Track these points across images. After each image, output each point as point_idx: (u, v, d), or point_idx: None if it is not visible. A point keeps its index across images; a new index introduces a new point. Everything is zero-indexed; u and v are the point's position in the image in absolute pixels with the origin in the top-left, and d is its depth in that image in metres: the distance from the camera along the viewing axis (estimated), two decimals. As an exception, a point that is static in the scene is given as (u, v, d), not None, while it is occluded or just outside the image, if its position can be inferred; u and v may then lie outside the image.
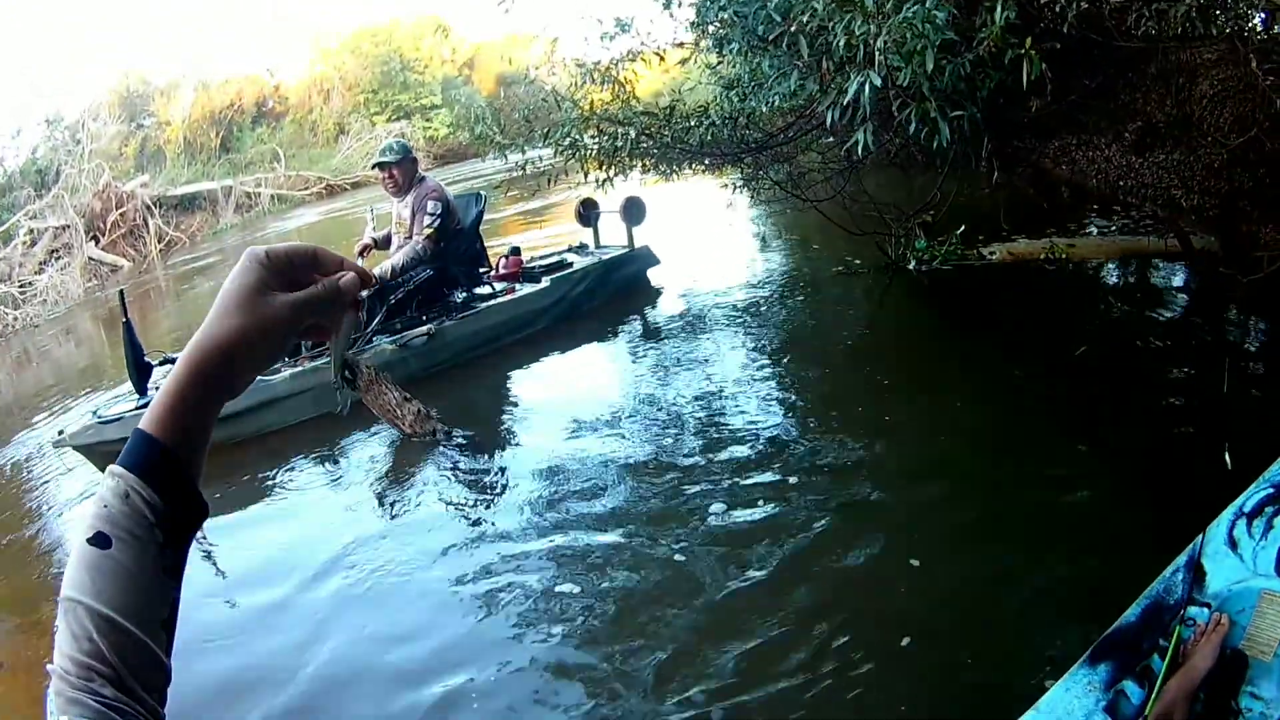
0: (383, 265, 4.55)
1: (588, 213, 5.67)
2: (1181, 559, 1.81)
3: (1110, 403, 3.29)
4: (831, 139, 4.65)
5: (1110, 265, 4.76)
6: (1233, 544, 1.79)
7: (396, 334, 4.52)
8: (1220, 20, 4.07)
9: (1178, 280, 4.29)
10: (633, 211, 5.45)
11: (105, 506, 0.50)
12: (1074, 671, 1.68)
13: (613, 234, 5.68)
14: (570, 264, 5.39)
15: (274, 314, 0.55)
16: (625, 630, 2.41)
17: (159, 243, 15.17)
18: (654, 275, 5.71)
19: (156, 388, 3.87)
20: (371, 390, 3.96)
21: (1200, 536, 1.81)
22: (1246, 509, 1.85)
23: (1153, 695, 1.59)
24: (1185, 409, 3.16)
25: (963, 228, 4.76)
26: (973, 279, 4.64)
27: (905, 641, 2.23)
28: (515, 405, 4.41)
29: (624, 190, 5.45)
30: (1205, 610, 1.71)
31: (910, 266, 4.78)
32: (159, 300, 11.36)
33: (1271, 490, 1.86)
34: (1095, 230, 4.97)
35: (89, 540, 0.49)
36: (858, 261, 5.19)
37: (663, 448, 3.46)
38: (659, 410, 3.85)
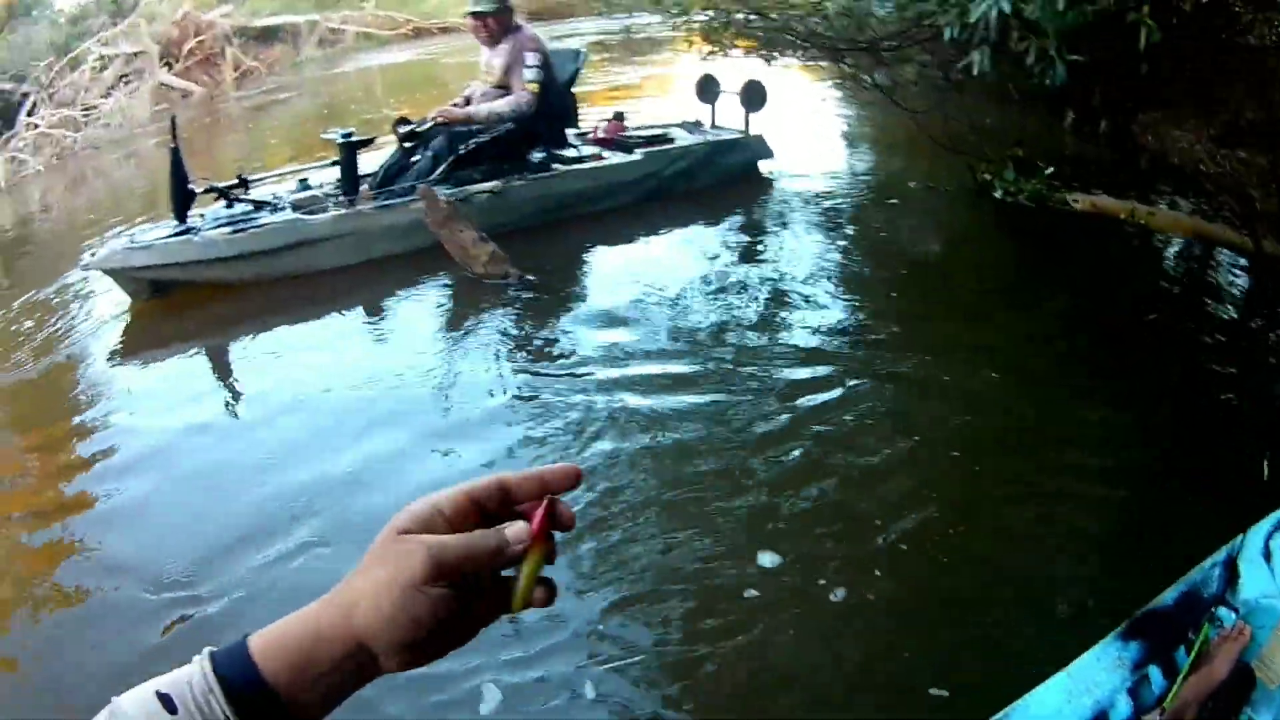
0: (478, 108, 4.33)
1: (708, 89, 5.30)
2: (1221, 555, 1.77)
3: (1157, 379, 3.28)
4: (933, 57, 4.54)
5: (1179, 243, 4.66)
6: (1267, 554, 1.77)
7: (461, 185, 4.26)
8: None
9: (1240, 278, 4.20)
10: (752, 96, 5.07)
11: (187, 686, 0.42)
12: (1107, 642, 1.65)
13: (731, 117, 5.35)
14: (672, 140, 5.04)
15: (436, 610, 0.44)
16: (659, 482, 2.63)
17: (234, 71, 15.01)
18: (764, 166, 5.43)
19: (201, 215, 3.95)
20: (447, 226, 3.89)
21: (1241, 537, 1.78)
22: None
23: (1174, 689, 1.58)
24: (1229, 408, 3.12)
25: (1050, 168, 4.66)
26: (1049, 221, 4.59)
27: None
28: (587, 271, 4.38)
29: (737, 71, 5.23)
30: (1234, 615, 1.69)
31: (997, 194, 4.71)
32: (229, 128, 11.31)
33: None
34: (1169, 206, 4.85)
35: (159, 694, 0.42)
36: (944, 181, 5.13)
37: (725, 326, 3.59)
38: (731, 295, 3.91)
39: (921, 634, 2.12)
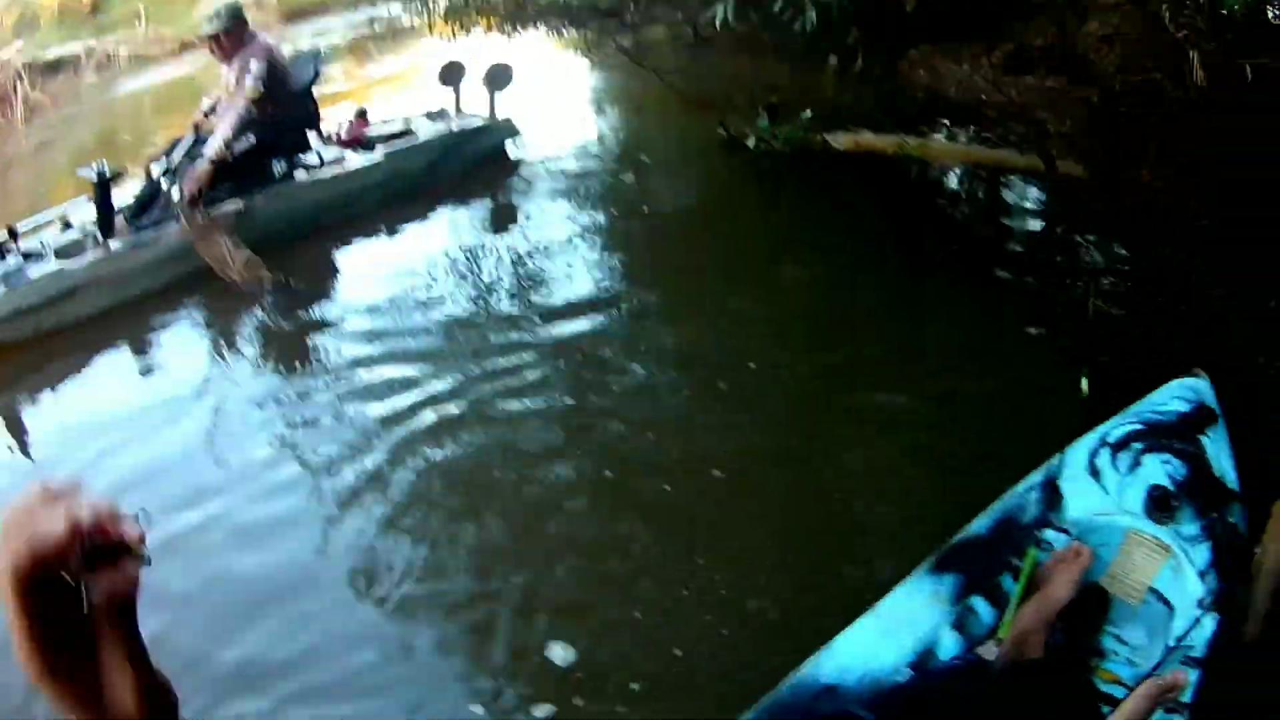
0: (211, 141, 4.08)
1: (450, 74, 5.09)
2: (1036, 477, 1.76)
3: (956, 309, 3.28)
4: (680, 14, 4.52)
5: (961, 172, 4.71)
6: (1094, 472, 1.76)
7: (208, 206, 4.02)
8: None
9: (1032, 198, 4.26)
10: (497, 78, 4.93)
11: None
12: (916, 578, 1.62)
13: (479, 101, 5.17)
14: (415, 133, 4.85)
15: None
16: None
17: (25, 107, 13.84)
18: (512, 147, 5.26)
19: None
20: (206, 237, 3.78)
21: (1058, 457, 1.77)
22: (1111, 439, 1.81)
23: (1006, 616, 1.54)
24: (1039, 326, 3.11)
25: (808, 112, 4.65)
26: (819, 167, 4.55)
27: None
28: (343, 272, 4.25)
29: (484, 51, 5.10)
30: (1063, 536, 1.67)
31: (750, 144, 4.66)
32: (20, 168, 10.25)
33: (1141, 426, 1.83)
34: (945, 137, 4.96)
35: None
36: (698, 139, 5.07)
37: (480, 315, 3.52)
38: (486, 278, 3.85)
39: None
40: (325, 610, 2.15)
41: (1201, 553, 1.64)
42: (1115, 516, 1.69)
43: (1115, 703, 1.43)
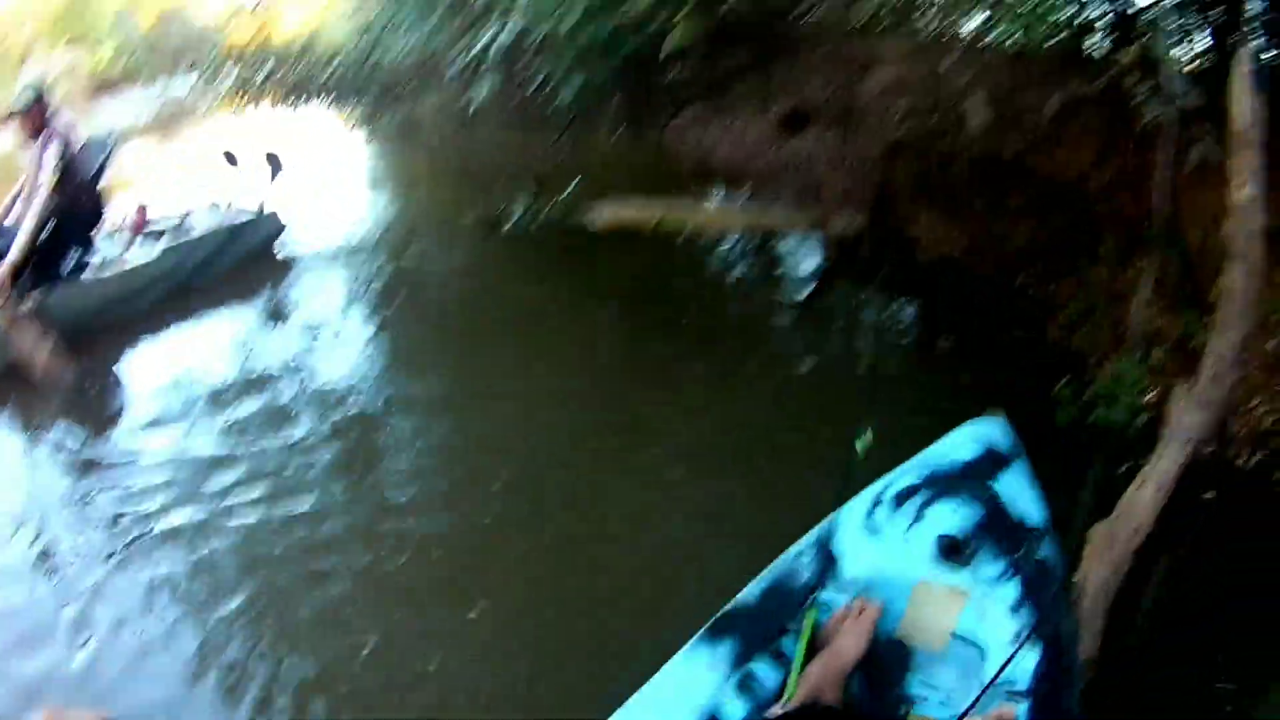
0: (18, 239, 3.86)
1: (232, 160, 5.10)
2: (808, 540, 1.76)
3: (730, 377, 3.29)
4: (445, 92, 4.46)
5: (734, 238, 4.72)
6: (873, 529, 1.76)
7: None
8: (917, 19, 4.25)
9: (809, 259, 4.37)
10: (272, 166, 4.94)
11: None
12: (693, 646, 1.60)
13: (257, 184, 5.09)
14: (191, 228, 4.73)
15: None
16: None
17: None
18: (284, 239, 5.17)
19: None
20: (14, 325, 3.67)
21: (831, 520, 1.76)
22: (889, 495, 1.81)
23: (791, 677, 1.54)
24: (814, 388, 3.17)
25: (574, 185, 4.58)
26: (585, 242, 4.52)
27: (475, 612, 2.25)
28: (129, 377, 3.99)
29: (267, 126, 4.90)
30: (841, 597, 1.67)
31: (506, 227, 4.62)
32: None
33: (923, 477, 1.85)
34: (717, 204, 4.88)
35: None
36: (466, 213, 5.01)
37: (264, 410, 3.41)
38: (263, 376, 3.72)
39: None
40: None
41: (1009, 590, 1.65)
42: (904, 569, 1.70)
43: None
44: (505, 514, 2.61)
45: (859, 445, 1.83)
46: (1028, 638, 1.57)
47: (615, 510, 2.64)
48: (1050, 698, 1.53)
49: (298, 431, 3.19)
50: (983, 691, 1.51)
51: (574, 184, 4.54)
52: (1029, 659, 1.56)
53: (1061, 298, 3.42)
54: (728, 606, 1.65)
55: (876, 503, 1.81)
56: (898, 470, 1.90)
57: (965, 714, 1.45)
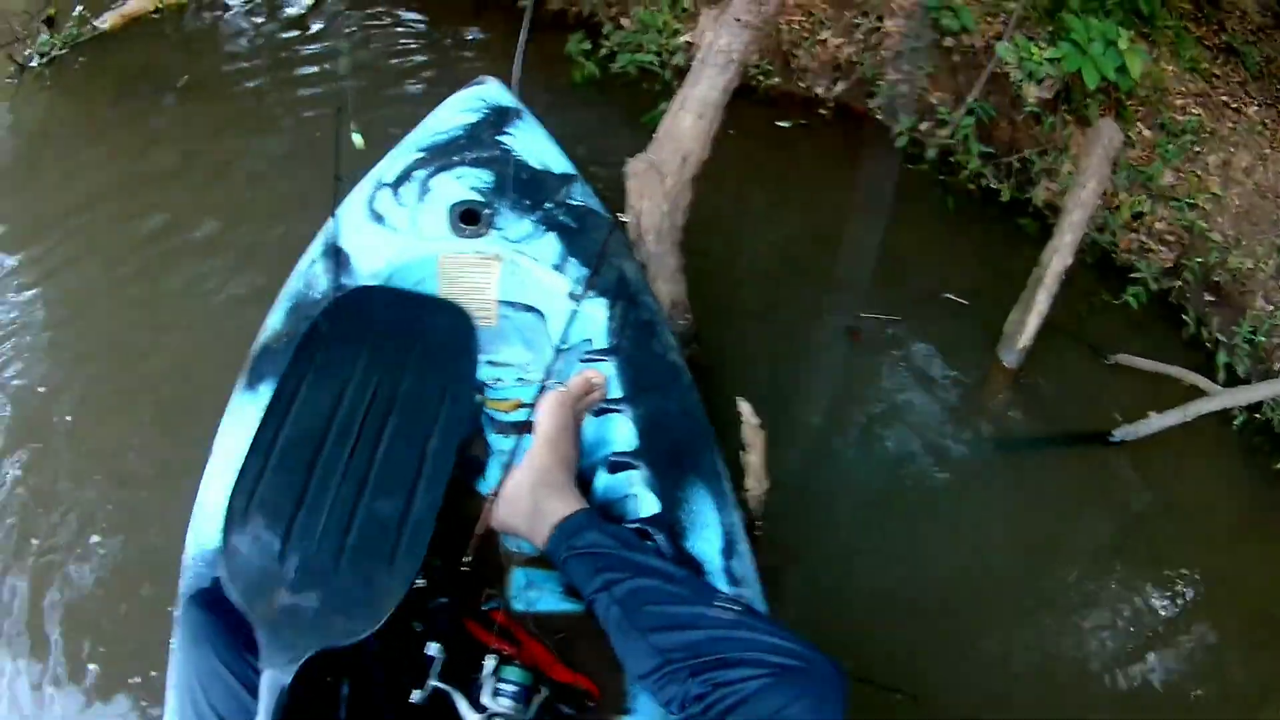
0: None
1: None
2: (316, 249, 1.57)
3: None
4: None
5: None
6: (378, 218, 1.59)
7: None
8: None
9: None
10: None
11: None
12: (236, 401, 1.39)
13: None
14: None
15: None
16: None
17: None
18: None
19: None
20: None
21: (330, 221, 1.58)
22: (386, 180, 1.65)
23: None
24: (307, 96, 2.96)
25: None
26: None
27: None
28: None
29: None
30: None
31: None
32: None
33: (420, 154, 1.69)
34: None
35: None
36: None
37: None
38: None
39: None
40: None
41: (548, 245, 1.56)
42: (419, 251, 1.54)
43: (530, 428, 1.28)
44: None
45: (355, 141, 1.72)
46: (589, 291, 1.50)
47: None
48: (639, 351, 1.45)
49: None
50: (558, 358, 1.46)
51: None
52: (599, 315, 1.49)
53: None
54: (256, 344, 1.45)
55: (374, 191, 1.63)
56: (393, 151, 1.72)
57: (544, 384, 1.39)
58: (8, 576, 1.85)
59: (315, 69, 3.09)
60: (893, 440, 2.16)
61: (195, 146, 2.89)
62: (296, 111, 2.96)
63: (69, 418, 2.15)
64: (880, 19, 2.86)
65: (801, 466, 1.99)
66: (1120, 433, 2.23)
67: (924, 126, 2.77)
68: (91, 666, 1.74)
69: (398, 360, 1.30)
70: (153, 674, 1.70)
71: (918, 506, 2.07)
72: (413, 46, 3.17)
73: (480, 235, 1.55)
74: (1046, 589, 2.03)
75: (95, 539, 1.91)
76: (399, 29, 3.25)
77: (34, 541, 1.90)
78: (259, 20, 3.48)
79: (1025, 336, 2.25)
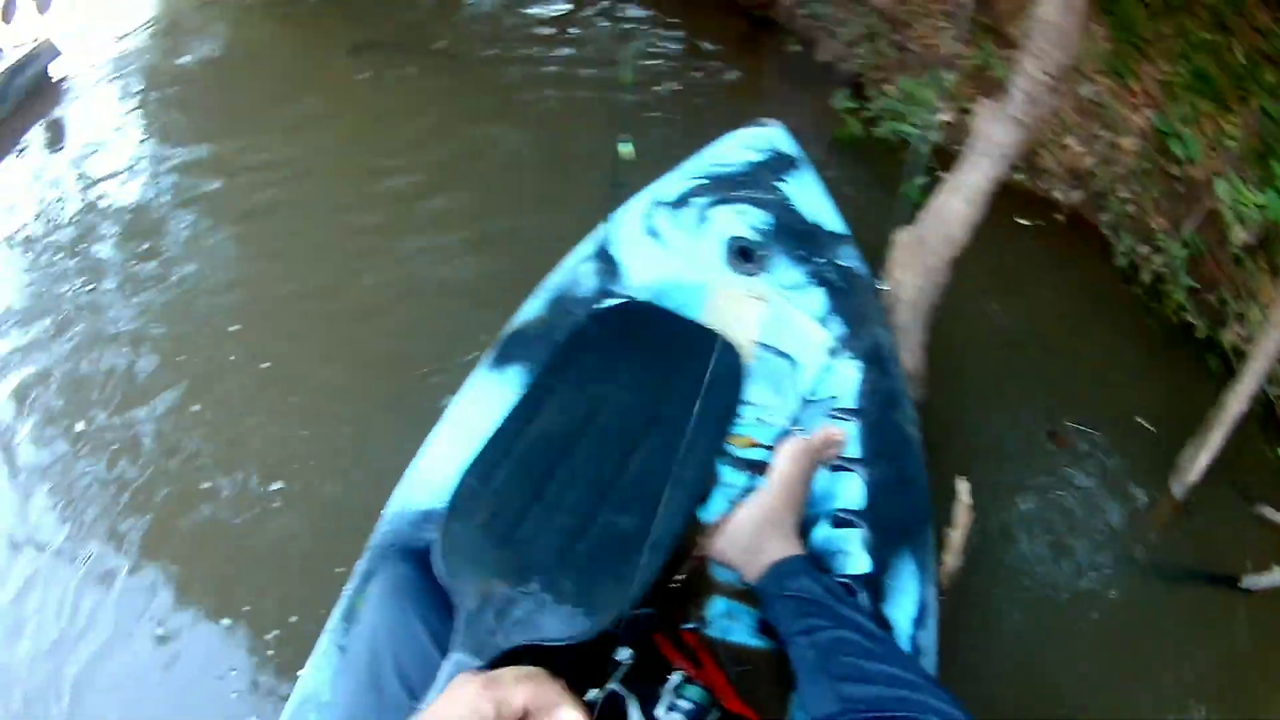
0: None
1: None
2: (586, 249, 1.64)
3: (480, 100, 3.13)
4: None
5: None
6: (654, 233, 1.64)
7: None
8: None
9: None
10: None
11: None
12: (478, 376, 1.46)
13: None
14: None
15: None
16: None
17: None
18: (58, 68, 4.06)
19: None
20: None
21: (604, 225, 1.65)
22: (668, 199, 1.69)
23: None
24: (577, 110, 3.03)
25: None
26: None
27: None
28: None
29: None
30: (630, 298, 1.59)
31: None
32: None
33: (703, 181, 1.73)
34: None
35: None
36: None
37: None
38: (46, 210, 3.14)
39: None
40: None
41: (814, 299, 1.59)
42: (690, 275, 1.59)
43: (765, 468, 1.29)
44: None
45: (622, 150, 1.76)
46: (845, 347, 1.52)
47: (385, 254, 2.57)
48: (882, 417, 1.46)
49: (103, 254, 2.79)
50: (804, 408, 1.47)
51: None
52: (851, 375, 1.50)
53: (837, 18, 3.29)
54: (510, 328, 1.51)
55: (653, 207, 1.68)
56: (673, 173, 1.77)
57: (788, 430, 1.41)
58: (190, 508, 2.02)
59: (578, 70, 3.24)
60: (1059, 545, 2.21)
61: (449, 119, 3.03)
62: (556, 108, 3.09)
63: (269, 358, 2.30)
64: (1118, 134, 2.87)
65: (974, 552, 2.04)
66: (1249, 581, 2.26)
67: (1143, 250, 2.77)
68: (245, 607, 1.85)
69: (663, 380, 1.33)
70: (292, 620, 1.80)
71: (1064, 613, 2.11)
72: (664, 69, 3.32)
73: (753, 274, 1.61)
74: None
75: (277, 486, 2.05)
76: (655, 50, 3.41)
77: (202, 475, 2.05)
78: (519, 8, 3.70)
79: (1195, 472, 2.28)
